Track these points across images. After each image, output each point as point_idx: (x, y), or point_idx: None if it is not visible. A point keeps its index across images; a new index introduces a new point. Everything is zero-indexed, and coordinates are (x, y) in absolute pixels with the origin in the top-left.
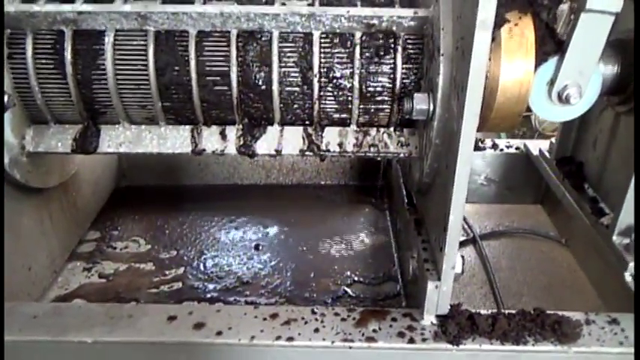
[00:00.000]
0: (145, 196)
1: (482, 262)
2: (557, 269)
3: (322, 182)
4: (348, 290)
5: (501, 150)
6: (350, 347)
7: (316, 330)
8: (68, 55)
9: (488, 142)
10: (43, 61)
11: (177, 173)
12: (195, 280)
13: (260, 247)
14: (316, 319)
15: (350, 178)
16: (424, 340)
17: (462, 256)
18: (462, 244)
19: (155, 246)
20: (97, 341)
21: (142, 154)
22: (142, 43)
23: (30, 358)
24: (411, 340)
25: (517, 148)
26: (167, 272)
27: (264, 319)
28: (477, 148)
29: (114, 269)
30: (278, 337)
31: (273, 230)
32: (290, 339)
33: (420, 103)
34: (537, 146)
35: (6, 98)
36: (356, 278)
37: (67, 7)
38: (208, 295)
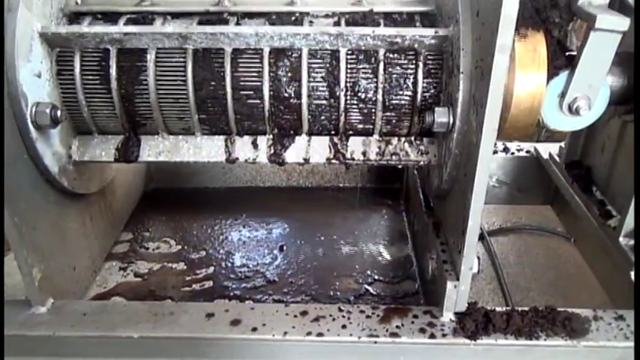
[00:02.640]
0: (172, 198)
1: (490, 258)
2: (564, 265)
3: (341, 185)
4: (370, 288)
5: (512, 153)
6: (375, 342)
7: (344, 326)
8: (113, 71)
9: (500, 146)
10: (90, 77)
11: (202, 176)
12: (225, 280)
13: (284, 248)
14: (343, 316)
15: (367, 180)
16: (444, 335)
17: (479, 257)
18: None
19: (185, 246)
20: (142, 336)
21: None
22: (182, 60)
23: (82, 352)
24: (432, 336)
25: (527, 152)
26: (198, 271)
27: (295, 316)
28: None
29: (148, 268)
30: (309, 333)
31: (295, 231)
32: (320, 334)
33: (440, 116)
34: (547, 150)
35: (58, 113)
36: (376, 277)
37: (114, 29)
38: (238, 293)
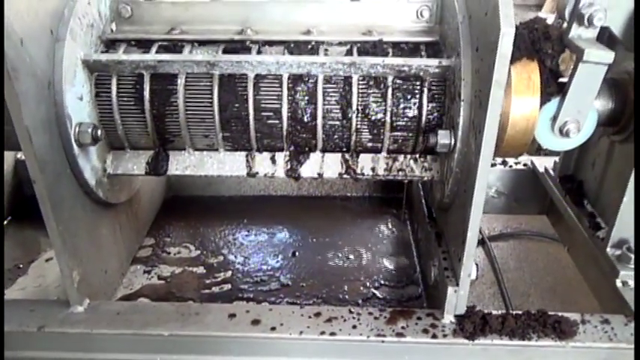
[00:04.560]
0: (190, 206)
1: (490, 263)
2: (562, 271)
3: (348, 194)
4: (376, 292)
5: (510, 166)
6: (383, 341)
7: (354, 327)
8: (147, 94)
9: (499, 159)
10: (125, 99)
11: (218, 185)
12: (242, 283)
13: (296, 254)
14: (353, 318)
15: (373, 190)
16: (445, 336)
17: (477, 264)
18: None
19: (204, 251)
20: (172, 334)
21: None
22: (209, 84)
23: (116, 348)
24: (434, 336)
25: (524, 165)
26: (216, 275)
27: (309, 317)
28: None
29: (170, 272)
30: (322, 332)
31: (305, 238)
32: (332, 334)
33: (443, 138)
34: (543, 164)
35: (99, 132)
36: (382, 282)
37: (149, 57)
38: (254, 296)
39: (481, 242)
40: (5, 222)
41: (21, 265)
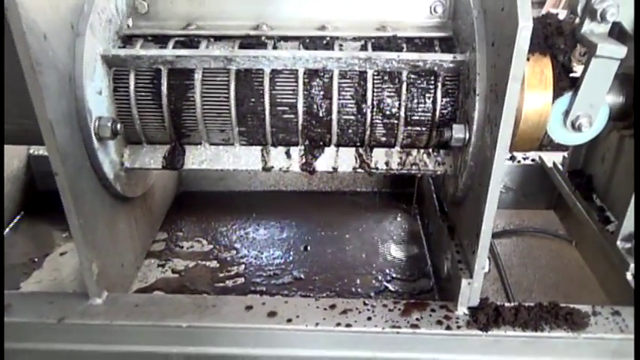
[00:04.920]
0: (201, 201)
1: (494, 259)
2: (565, 267)
3: (358, 189)
4: (389, 285)
5: (519, 161)
6: (397, 332)
7: (369, 318)
8: (164, 89)
9: (507, 155)
10: (143, 94)
11: (228, 181)
12: (255, 277)
13: (308, 248)
14: (368, 310)
15: (383, 185)
16: (459, 327)
17: (489, 258)
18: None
19: (216, 246)
20: (190, 325)
21: None
22: (225, 79)
23: (136, 340)
24: (448, 327)
25: (533, 160)
26: (230, 269)
27: (325, 309)
28: None
29: (184, 266)
30: (338, 324)
31: (317, 232)
32: (348, 325)
33: (458, 132)
34: (551, 159)
35: (118, 126)
36: (394, 275)
37: (167, 52)
38: (268, 289)
39: None
40: (18, 217)
41: (36, 259)
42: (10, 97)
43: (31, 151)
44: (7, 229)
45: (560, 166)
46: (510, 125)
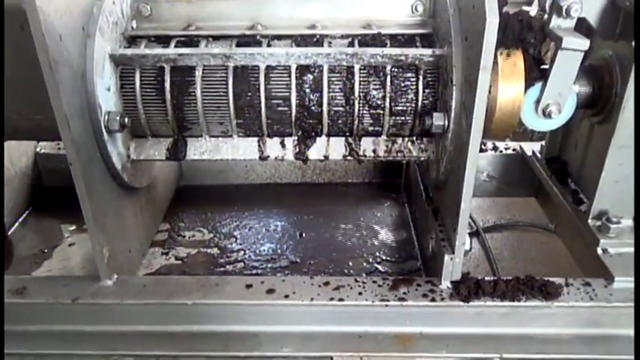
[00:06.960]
0: (200, 194)
1: (485, 253)
2: (555, 259)
3: (349, 180)
4: (379, 267)
5: (500, 151)
6: (386, 305)
7: (360, 293)
8: (167, 85)
9: (490, 145)
10: (147, 90)
11: (227, 174)
12: (254, 262)
13: (303, 235)
14: (359, 286)
15: (373, 176)
16: (442, 299)
17: (470, 234)
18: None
19: (216, 234)
20: (195, 303)
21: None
22: (224, 75)
23: (144, 319)
24: (433, 300)
25: (514, 150)
26: (229, 255)
27: (319, 285)
28: (480, 150)
29: (186, 253)
30: (331, 299)
31: (311, 221)
32: (341, 300)
33: (437, 120)
34: (530, 148)
35: (126, 120)
36: (384, 257)
37: (170, 51)
38: (265, 272)
39: (476, 233)
40: (26, 212)
41: (46, 250)
42: (24, 96)
43: (38, 149)
44: (16, 224)
45: (538, 154)
46: (483, 111)
